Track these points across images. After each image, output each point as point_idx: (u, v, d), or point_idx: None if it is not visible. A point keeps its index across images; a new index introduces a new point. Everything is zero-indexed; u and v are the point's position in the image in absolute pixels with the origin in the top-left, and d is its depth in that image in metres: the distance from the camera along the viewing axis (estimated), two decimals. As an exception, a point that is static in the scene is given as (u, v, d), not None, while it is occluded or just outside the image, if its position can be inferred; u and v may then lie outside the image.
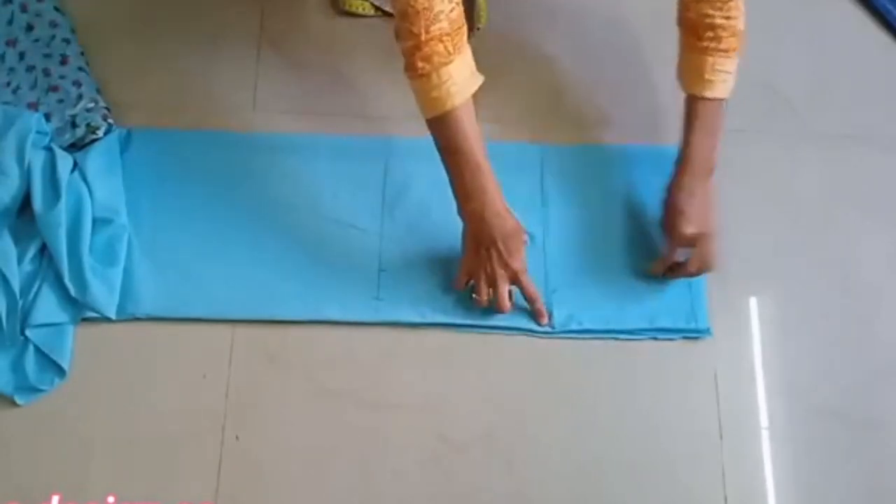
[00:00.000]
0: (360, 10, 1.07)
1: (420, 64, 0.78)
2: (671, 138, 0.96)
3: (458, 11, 0.80)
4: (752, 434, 0.92)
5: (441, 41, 0.78)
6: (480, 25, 1.06)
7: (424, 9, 0.76)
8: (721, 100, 0.89)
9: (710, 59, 0.87)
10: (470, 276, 0.91)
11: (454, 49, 0.79)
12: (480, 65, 1.04)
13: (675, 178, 0.91)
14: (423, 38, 0.77)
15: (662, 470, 0.90)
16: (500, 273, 0.88)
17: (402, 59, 0.81)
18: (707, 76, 0.87)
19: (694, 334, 0.94)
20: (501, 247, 0.86)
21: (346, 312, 0.93)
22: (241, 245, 0.96)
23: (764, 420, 0.92)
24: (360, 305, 0.94)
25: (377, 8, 1.07)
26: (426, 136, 0.84)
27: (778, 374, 0.94)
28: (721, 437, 0.91)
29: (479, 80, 0.83)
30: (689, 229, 0.89)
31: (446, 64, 0.79)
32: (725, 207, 0.99)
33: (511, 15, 1.08)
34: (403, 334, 0.94)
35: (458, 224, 0.89)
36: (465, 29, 0.81)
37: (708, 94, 0.88)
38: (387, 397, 0.92)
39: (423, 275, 0.95)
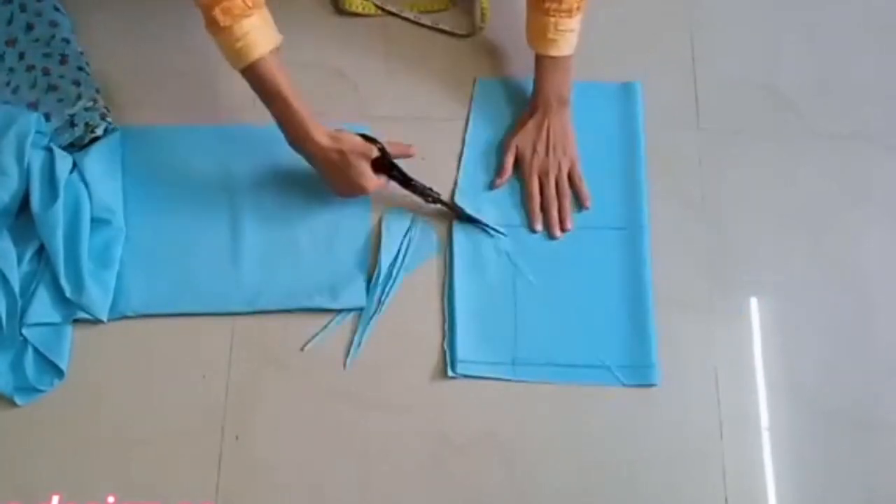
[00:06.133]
0: (360, 10, 1.07)
1: (221, 17, 0.82)
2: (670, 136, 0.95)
3: None
4: (752, 434, 0.92)
5: None
6: (482, 25, 1.06)
7: None
8: (567, 56, 0.95)
9: (553, 20, 0.91)
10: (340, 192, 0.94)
11: (252, 4, 0.83)
12: (481, 64, 1.06)
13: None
14: None
15: (663, 470, 0.90)
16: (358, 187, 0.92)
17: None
18: (550, 36, 0.92)
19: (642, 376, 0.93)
20: (354, 161, 0.90)
21: (337, 301, 0.93)
22: (233, 239, 0.96)
23: (764, 420, 0.92)
24: (353, 295, 0.94)
25: (378, 7, 1.07)
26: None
27: (778, 374, 0.94)
28: (721, 437, 0.91)
29: (279, 37, 0.87)
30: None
31: (246, 16, 0.83)
32: (726, 207, 1.00)
33: (512, 15, 1.08)
34: (403, 334, 0.94)
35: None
36: None
37: (553, 52, 0.94)
38: (387, 397, 0.92)
39: None
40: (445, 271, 0.96)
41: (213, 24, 0.83)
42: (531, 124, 0.98)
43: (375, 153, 0.91)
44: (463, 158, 1.01)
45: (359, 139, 0.90)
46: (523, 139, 0.98)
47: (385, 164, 0.93)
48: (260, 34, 0.84)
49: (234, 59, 0.85)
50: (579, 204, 0.98)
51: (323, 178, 0.93)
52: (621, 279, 0.95)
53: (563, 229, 0.97)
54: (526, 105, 1.00)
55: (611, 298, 0.95)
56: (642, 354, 0.92)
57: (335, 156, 0.89)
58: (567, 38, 0.93)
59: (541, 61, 0.96)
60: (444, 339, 0.93)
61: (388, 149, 0.93)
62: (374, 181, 0.92)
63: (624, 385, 0.92)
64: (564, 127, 0.98)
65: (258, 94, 0.87)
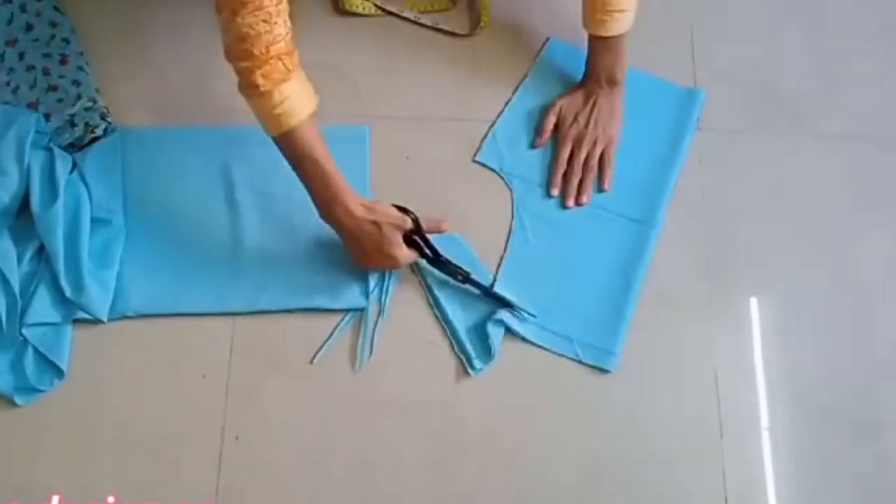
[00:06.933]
0: (360, 10, 1.07)
1: (261, 81, 0.79)
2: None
3: (292, 35, 0.81)
4: (752, 434, 0.92)
5: (280, 59, 0.79)
6: (482, 25, 1.06)
7: (266, 31, 0.78)
8: (618, 35, 0.94)
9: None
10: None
11: (292, 67, 0.81)
12: (481, 64, 1.06)
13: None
14: (263, 57, 0.78)
15: (662, 470, 0.90)
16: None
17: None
18: (598, 16, 0.92)
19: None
20: (388, 232, 0.87)
21: (338, 301, 0.93)
22: (233, 238, 0.96)
23: (764, 420, 0.92)
24: (353, 295, 0.94)
25: (378, 7, 1.07)
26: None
27: (778, 374, 0.94)
28: (721, 437, 0.91)
29: (316, 100, 0.84)
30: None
31: (285, 80, 0.80)
32: (726, 207, 1.00)
33: (512, 15, 1.08)
34: (403, 335, 0.94)
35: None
36: (296, 52, 0.82)
37: (601, 32, 0.93)
38: (387, 397, 0.92)
39: None
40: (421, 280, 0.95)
41: (251, 88, 0.80)
42: (580, 94, 0.99)
43: (409, 225, 0.89)
44: (508, 105, 1.02)
45: (393, 210, 0.88)
46: (568, 105, 0.99)
47: (417, 237, 0.91)
48: (298, 99, 0.81)
49: (270, 124, 0.82)
50: (599, 184, 0.99)
51: (349, 249, 0.90)
52: (616, 266, 0.96)
53: (577, 202, 0.97)
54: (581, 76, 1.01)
55: (599, 280, 0.95)
56: (608, 340, 0.93)
57: (369, 227, 0.86)
58: (616, 19, 0.92)
59: (591, 41, 0.96)
60: (452, 347, 0.93)
61: (422, 222, 0.90)
62: (407, 253, 0.89)
63: (579, 361, 0.92)
64: (613, 107, 0.99)
65: (289, 160, 0.84)
